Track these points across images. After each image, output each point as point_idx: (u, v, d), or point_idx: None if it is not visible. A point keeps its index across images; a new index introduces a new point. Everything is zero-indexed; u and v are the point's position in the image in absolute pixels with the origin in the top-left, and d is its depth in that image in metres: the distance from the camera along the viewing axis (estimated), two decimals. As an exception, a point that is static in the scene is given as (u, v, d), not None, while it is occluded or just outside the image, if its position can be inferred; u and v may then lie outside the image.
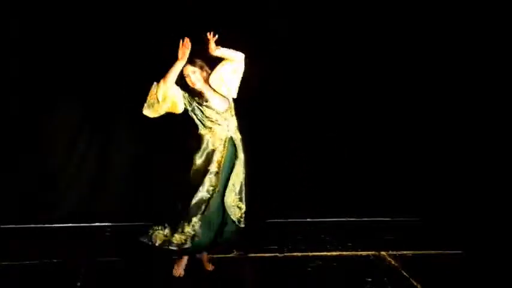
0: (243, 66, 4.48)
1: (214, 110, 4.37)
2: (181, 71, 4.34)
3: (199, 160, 4.34)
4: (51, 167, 5.75)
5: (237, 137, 4.43)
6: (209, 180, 4.30)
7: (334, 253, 5.00)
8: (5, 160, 5.63)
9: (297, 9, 5.89)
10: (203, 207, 4.27)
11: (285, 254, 4.95)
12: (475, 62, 6.02)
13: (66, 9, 5.58)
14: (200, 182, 4.29)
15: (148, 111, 4.49)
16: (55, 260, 4.72)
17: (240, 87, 4.57)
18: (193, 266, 4.61)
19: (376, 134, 6.10)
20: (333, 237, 5.43)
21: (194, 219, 4.26)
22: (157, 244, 4.27)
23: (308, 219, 5.97)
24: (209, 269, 4.55)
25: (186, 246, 4.25)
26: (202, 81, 4.40)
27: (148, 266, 4.63)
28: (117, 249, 5.04)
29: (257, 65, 5.56)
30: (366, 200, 6.05)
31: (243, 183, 4.42)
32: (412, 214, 6.01)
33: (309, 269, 4.62)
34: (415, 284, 4.30)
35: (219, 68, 4.45)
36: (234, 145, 4.39)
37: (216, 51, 4.33)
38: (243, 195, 4.41)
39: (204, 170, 4.31)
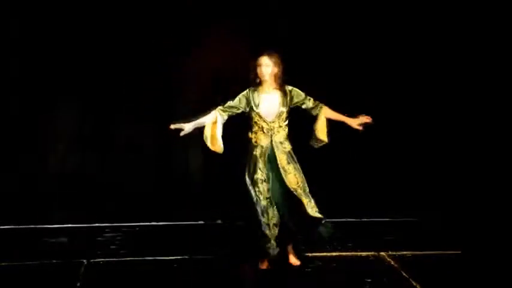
0: None
1: (262, 117, 4.46)
2: (256, 61, 4.46)
3: (248, 165, 4.50)
4: (51, 167, 5.76)
5: (283, 148, 4.49)
6: (261, 188, 4.43)
7: (333, 253, 5.00)
8: (5, 160, 5.64)
9: (297, 9, 5.89)
10: (259, 213, 4.43)
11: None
12: (475, 62, 6.02)
13: (66, 9, 5.59)
14: (251, 190, 4.46)
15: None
16: (55, 260, 4.72)
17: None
18: (193, 267, 4.62)
19: (376, 134, 6.07)
20: (333, 237, 5.42)
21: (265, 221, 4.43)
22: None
23: (308, 219, 5.96)
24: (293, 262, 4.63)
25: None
26: (271, 76, 4.48)
27: (148, 265, 4.64)
28: (117, 249, 5.06)
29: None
30: (366, 200, 6.05)
31: (302, 186, 4.49)
32: (411, 214, 6.00)
33: (309, 269, 4.62)
34: (414, 284, 4.30)
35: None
36: (274, 156, 4.46)
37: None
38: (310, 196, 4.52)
39: (252, 177, 4.46)
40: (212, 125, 4.44)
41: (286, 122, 4.53)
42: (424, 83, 6.08)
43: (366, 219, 6.02)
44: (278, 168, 4.46)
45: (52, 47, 5.62)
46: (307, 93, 4.63)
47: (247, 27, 5.78)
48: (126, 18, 5.68)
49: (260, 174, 4.44)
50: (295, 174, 4.49)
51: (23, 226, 5.61)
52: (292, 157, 4.53)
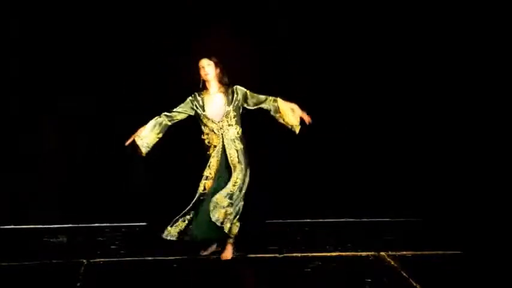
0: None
1: (209, 119, 4.63)
2: (198, 64, 4.68)
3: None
4: (51, 167, 5.76)
5: (234, 146, 4.65)
6: (203, 185, 4.66)
7: (333, 254, 5.00)
8: (4, 160, 5.64)
9: (297, 9, 5.89)
10: (195, 207, 4.62)
11: (285, 254, 4.95)
12: (475, 62, 6.02)
13: (66, 9, 5.59)
14: (198, 185, 4.67)
15: None
16: (55, 260, 4.72)
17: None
18: (193, 267, 4.62)
19: (376, 134, 6.10)
20: (333, 237, 5.43)
21: (187, 217, 4.62)
22: (163, 236, 4.62)
23: (308, 220, 5.97)
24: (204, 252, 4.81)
25: (182, 237, 4.61)
26: (213, 75, 4.68)
27: (148, 265, 4.64)
28: (117, 249, 5.06)
29: (257, 65, 5.59)
30: (366, 200, 6.05)
31: (241, 192, 4.66)
32: (412, 214, 6.00)
33: (308, 269, 4.62)
34: (414, 284, 4.30)
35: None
36: (226, 154, 4.63)
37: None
38: (238, 203, 4.64)
39: (202, 174, 4.68)
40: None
41: (236, 120, 4.67)
42: (424, 83, 6.08)
43: (366, 219, 6.02)
44: (229, 166, 4.64)
45: (52, 47, 5.62)
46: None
47: (247, 27, 5.78)
48: (126, 18, 5.68)
49: (208, 172, 4.66)
50: (238, 174, 4.63)
51: (23, 226, 5.61)
52: (243, 156, 4.67)
